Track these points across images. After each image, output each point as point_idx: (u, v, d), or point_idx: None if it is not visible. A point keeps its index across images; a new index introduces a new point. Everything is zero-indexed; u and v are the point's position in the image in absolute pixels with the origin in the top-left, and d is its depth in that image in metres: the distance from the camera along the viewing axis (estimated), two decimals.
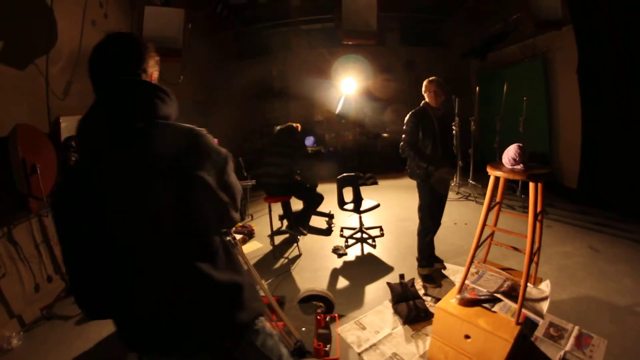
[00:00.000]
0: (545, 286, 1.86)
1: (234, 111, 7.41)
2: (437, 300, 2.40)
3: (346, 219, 4.27)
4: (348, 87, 7.29)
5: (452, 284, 2.67)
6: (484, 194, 4.91)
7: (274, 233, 3.66)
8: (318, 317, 2.11)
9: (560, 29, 4.59)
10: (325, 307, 2.29)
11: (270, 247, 3.65)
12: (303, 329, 1.98)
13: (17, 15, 2.66)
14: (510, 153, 1.69)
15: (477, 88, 5.52)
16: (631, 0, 3.63)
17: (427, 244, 2.79)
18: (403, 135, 2.65)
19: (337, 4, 4.27)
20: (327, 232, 4.08)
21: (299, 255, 3.49)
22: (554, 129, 5.31)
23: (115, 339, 2.28)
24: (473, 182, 5.21)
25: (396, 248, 3.51)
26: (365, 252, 3.46)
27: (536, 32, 4.98)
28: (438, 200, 2.74)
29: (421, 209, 2.75)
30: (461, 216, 4.23)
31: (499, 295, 1.71)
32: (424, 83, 2.68)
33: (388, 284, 2.60)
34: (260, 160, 3.79)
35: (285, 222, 4.22)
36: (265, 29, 7.53)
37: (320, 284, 2.88)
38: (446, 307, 1.73)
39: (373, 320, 2.33)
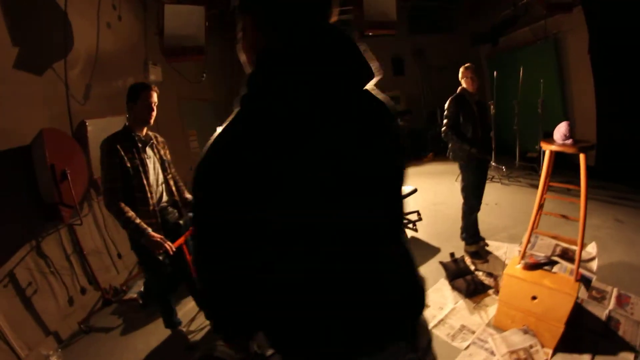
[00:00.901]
0: (592, 248, 2.12)
1: None
2: (489, 274, 2.66)
3: None
4: None
5: (498, 258, 2.92)
6: (507, 176, 5.15)
7: None
8: None
9: (572, 11, 4.74)
10: None
11: None
12: None
13: (32, 20, 2.56)
14: (562, 130, 1.91)
15: (495, 73, 5.67)
16: None
17: (472, 222, 2.99)
18: (445, 120, 2.82)
19: None
20: None
21: None
22: (569, 108, 5.45)
23: (166, 347, 2.23)
24: (495, 164, 5.41)
25: (436, 230, 3.72)
26: (408, 237, 3.71)
27: (547, 14, 5.11)
28: (480, 180, 2.92)
29: (465, 189, 2.93)
30: (491, 197, 4.40)
31: (555, 258, 1.97)
32: (461, 69, 2.82)
33: (441, 262, 2.82)
34: None
35: None
36: None
37: None
38: (514, 272, 1.98)
39: (434, 298, 2.48)
